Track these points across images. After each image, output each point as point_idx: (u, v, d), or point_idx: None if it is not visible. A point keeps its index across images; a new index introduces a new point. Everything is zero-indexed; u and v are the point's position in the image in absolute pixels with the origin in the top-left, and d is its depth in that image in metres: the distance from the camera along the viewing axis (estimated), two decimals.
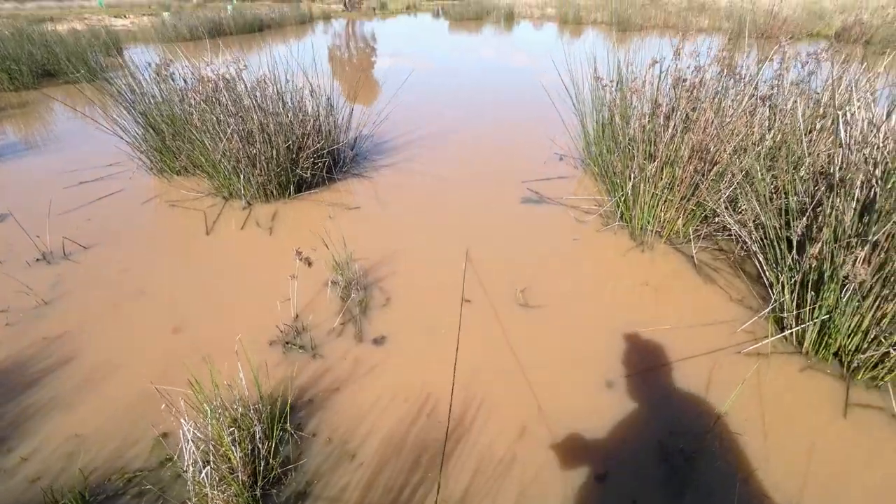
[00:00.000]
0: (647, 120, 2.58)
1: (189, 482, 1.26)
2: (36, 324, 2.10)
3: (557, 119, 4.03)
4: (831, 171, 1.83)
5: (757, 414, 1.61)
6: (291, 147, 3.21)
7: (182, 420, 1.24)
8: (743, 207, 2.28)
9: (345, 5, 26.27)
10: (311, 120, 3.32)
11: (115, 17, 18.91)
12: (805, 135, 2.28)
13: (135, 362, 1.87)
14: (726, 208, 2.30)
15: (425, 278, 2.38)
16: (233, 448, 1.30)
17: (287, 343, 1.95)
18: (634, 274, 2.40)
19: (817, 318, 1.76)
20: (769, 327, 1.96)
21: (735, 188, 2.24)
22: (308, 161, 3.32)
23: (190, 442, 1.22)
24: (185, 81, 3.34)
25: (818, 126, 2.42)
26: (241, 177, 3.11)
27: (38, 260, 2.59)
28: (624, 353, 1.88)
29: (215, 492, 1.21)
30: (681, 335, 1.96)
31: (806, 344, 1.84)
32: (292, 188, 3.31)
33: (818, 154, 2.12)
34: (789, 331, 1.88)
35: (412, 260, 2.54)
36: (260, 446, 1.42)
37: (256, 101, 3.09)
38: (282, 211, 3.13)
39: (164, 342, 1.97)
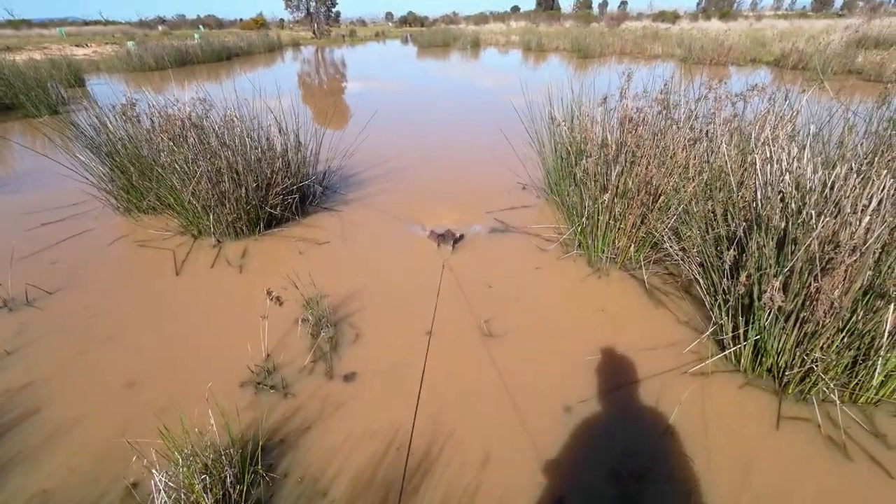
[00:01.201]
0: (597, 156, 2.78)
1: None
2: (8, 374, 2.07)
3: (521, 149, 4.23)
4: (755, 205, 2.04)
5: (700, 430, 1.75)
6: (260, 185, 3.28)
7: (153, 470, 1.28)
8: (686, 235, 2.48)
9: (314, 32, 26.54)
10: (280, 157, 3.41)
11: (77, 45, 18.61)
12: (739, 167, 2.51)
13: (102, 412, 1.87)
14: (670, 238, 2.50)
15: (393, 312, 2.47)
16: (204, 495, 1.34)
17: (258, 384, 2.00)
18: (591, 300, 2.55)
19: (750, 338, 1.94)
20: (710, 348, 2.13)
21: (676, 218, 2.43)
22: (277, 198, 3.38)
23: (162, 492, 1.26)
24: (152, 121, 3.38)
25: (748, 160, 2.67)
26: (211, 215, 3.15)
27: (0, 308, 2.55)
28: (581, 379, 2.01)
29: None
30: (633, 358, 2.11)
31: (743, 362, 2.01)
32: (262, 225, 3.37)
33: (747, 186, 2.35)
34: (728, 350, 2.05)
35: (380, 294, 2.63)
36: (231, 491, 1.46)
37: (224, 140, 3.16)
38: (252, 248, 3.18)
39: (131, 390, 1.99)
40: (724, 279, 2.02)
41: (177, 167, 3.08)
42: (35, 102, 7.26)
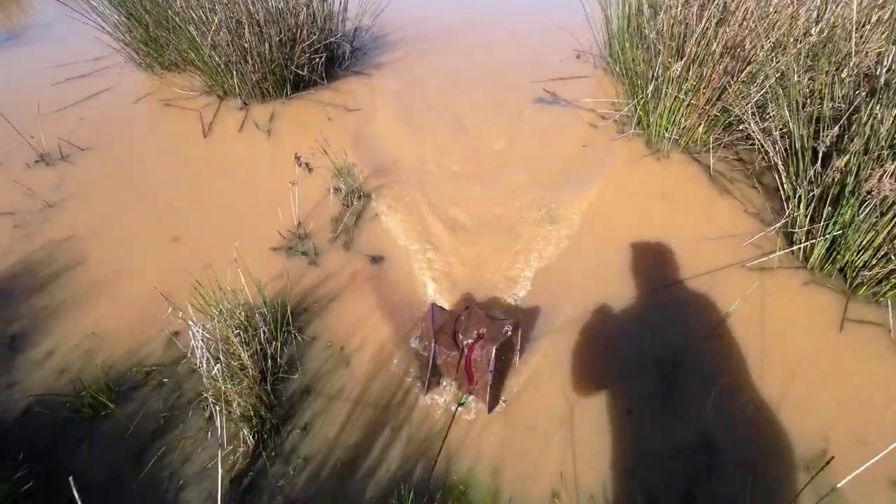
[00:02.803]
0: (678, 10, 2.29)
1: (203, 377, 1.34)
2: (42, 227, 2.12)
3: (579, 9, 3.61)
4: (877, 72, 1.65)
5: (755, 326, 1.64)
6: (284, 41, 2.95)
7: (190, 322, 1.29)
8: (771, 114, 2.11)
9: None
10: (304, 7, 3.01)
11: None
12: (857, 29, 2.02)
13: (141, 267, 1.91)
14: (753, 115, 2.13)
15: (429, 187, 2.32)
16: (241, 347, 1.36)
17: (289, 249, 1.97)
18: (647, 183, 2.31)
19: (829, 233, 1.71)
20: (777, 242, 1.92)
21: (766, 92, 2.05)
22: (304, 56, 3.07)
23: (200, 341, 1.27)
24: None
25: (874, 18, 2.13)
26: (234, 73, 2.91)
27: (36, 162, 2.55)
28: (630, 265, 1.87)
29: (228, 385, 1.29)
30: (689, 248, 1.94)
31: (813, 259, 1.81)
32: (289, 87, 3.11)
33: (866, 53, 1.90)
34: (799, 245, 1.84)
35: (416, 167, 2.46)
36: (267, 347, 1.49)
37: None
38: (279, 111, 2.98)
39: (167, 248, 2.00)
40: (816, 164, 1.73)
41: (193, 15, 2.77)
42: None
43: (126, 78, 3.38)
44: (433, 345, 1.39)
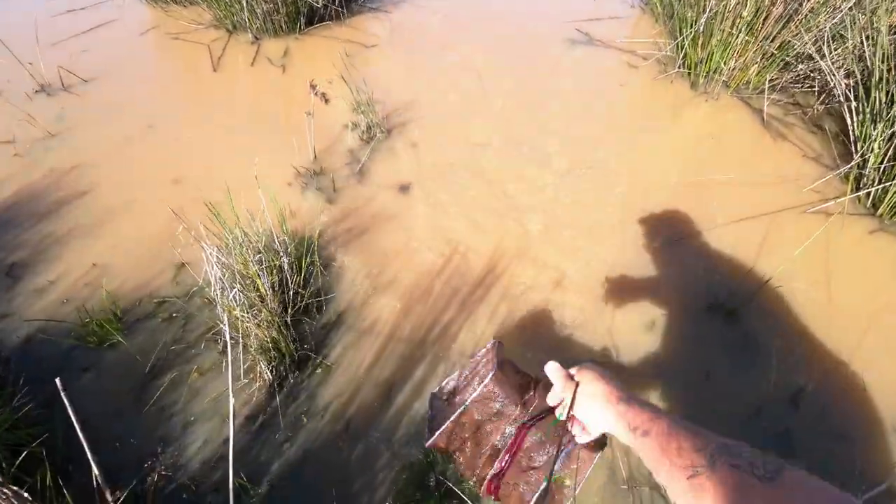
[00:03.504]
0: None
1: (218, 305, 1.23)
2: (45, 156, 1.99)
3: None
4: None
5: (820, 274, 1.49)
6: None
7: (203, 244, 1.16)
8: (838, 51, 1.89)
9: None
10: None
11: None
12: None
13: (149, 197, 1.78)
14: (821, 47, 1.91)
15: (451, 125, 2.14)
16: (259, 275, 1.24)
17: (305, 184, 1.83)
18: (694, 125, 2.12)
19: None
20: (848, 186, 1.74)
21: (843, 18, 1.82)
22: None
23: (215, 265, 1.15)
24: None
25: None
26: (245, 4, 2.70)
27: (37, 91, 2.39)
28: (680, 209, 1.72)
29: (246, 314, 1.17)
30: (742, 192, 1.77)
31: (883, 207, 1.64)
32: (303, 21, 2.89)
33: None
34: (867, 190, 1.66)
35: (437, 105, 2.27)
36: (289, 278, 1.37)
37: None
38: (293, 47, 2.77)
39: (177, 178, 1.86)
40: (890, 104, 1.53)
41: None
42: None
43: (130, 10, 3.16)
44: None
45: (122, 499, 0.93)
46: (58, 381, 0.59)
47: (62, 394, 0.57)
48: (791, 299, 1.42)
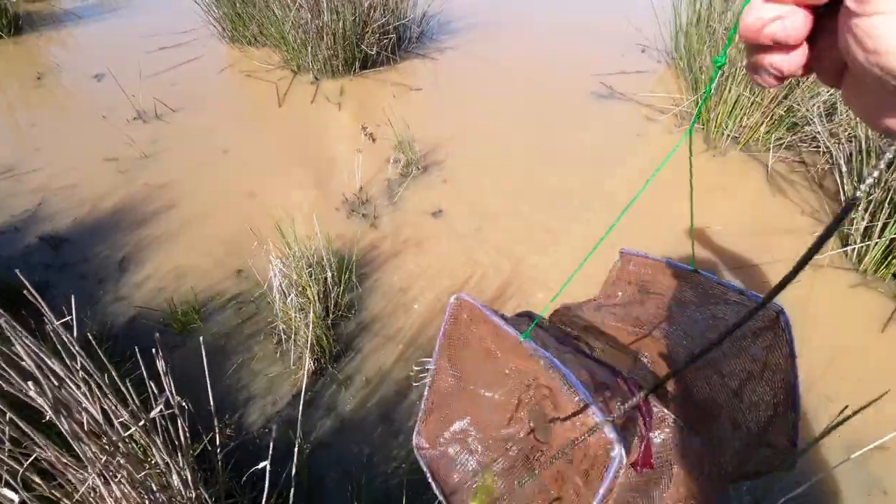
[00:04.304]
0: None
1: (276, 307, 1.53)
2: (141, 173, 2.40)
3: (649, 4, 3.59)
4: None
5: (798, 316, 1.65)
6: (357, 20, 3.14)
7: (271, 257, 1.47)
8: (839, 118, 2.08)
9: None
10: None
11: None
12: None
13: (221, 212, 2.14)
14: (819, 115, 2.11)
15: (480, 164, 2.44)
16: (310, 283, 1.54)
17: (352, 210, 2.15)
18: (699, 177, 2.32)
19: (886, 236, 1.70)
20: (831, 242, 1.90)
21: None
22: (374, 37, 3.25)
23: (278, 275, 1.46)
24: None
25: None
26: (310, 49, 3.13)
27: (134, 118, 2.86)
28: (683, 254, 1.92)
29: (298, 315, 1.47)
30: (738, 240, 1.96)
31: (867, 261, 1.79)
32: (357, 65, 3.30)
33: None
34: (854, 246, 1.82)
35: (471, 145, 2.58)
36: (331, 288, 1.66)
37: None
38: (347, 87, 3.17)
39: (244, 199, 2.22)
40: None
41: None
42: None
43: (211, 50, 3.68)
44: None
45: (199, 450, 1.22)
46: (156, 338, 0.87)
47: (159, 359, 0.85)
48: None
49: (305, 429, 1.36)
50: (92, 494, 0.81)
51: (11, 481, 0.71)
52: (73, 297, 0.93)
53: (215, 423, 1.00)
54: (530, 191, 2.26)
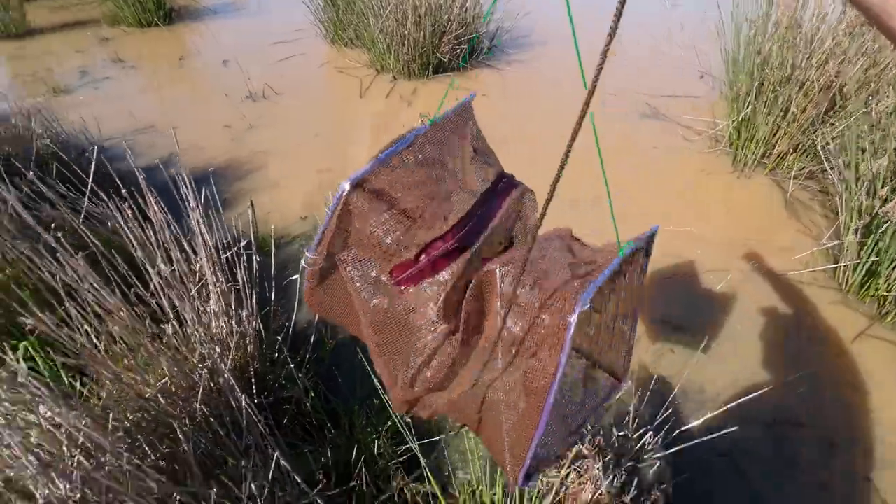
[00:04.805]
0: (787, 34, 2.44)
1: None
2: (247, 141, 3.04)
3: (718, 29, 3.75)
4: None
5: (777, 322, 1.86)
6: (437, 31, 3.62)
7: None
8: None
9: None
10: (459, 6, 3.65)
11: None
12: None
13: (302, 178, 2.69)
14: (830, 148, 2.24)
15: (524, 161, 2.79)
16: None
17: None
18: (716, 193, 2.52)
19: (863, 259, 1.84)
20: (820, 258, 2.06)
21: (850, 129, 2.16)
22: (448, 46, 3.72)
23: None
24: None
25: None
26: (392, 53, 3.67)
27: (247, 97, 3.54)
28: (679, 257, 2.17)
29: None
30: (737, 250, 2.16)
31: (851, 280, 1.93)
32: (430, 70, 3.79)
33: None
34: (838, 265, 1.97)
35: (520, 149, 2.95)
36: None
37: None
38: (420, 88, 3.67)
39: (322, 170, 2.77)
40: (871, 199, 1.86)
41: (372, 4, 3.57)
42: None
43: (315, 48, 4.36)
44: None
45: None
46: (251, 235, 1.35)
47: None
48: (729, 338, 1.82)
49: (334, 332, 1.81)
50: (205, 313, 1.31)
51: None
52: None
53: (272, 300, 1.47)
54: (563, 198, 2.58)
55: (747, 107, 2.62)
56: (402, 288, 0.65)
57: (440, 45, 3.71)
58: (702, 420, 1.47)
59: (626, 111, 3.29)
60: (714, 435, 1.28)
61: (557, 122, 3.19)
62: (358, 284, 0.65)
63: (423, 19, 3.50)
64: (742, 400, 1.39)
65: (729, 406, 1.40)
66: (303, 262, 0.69)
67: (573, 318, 0.50)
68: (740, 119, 2.70)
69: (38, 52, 4.39)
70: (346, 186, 0.65)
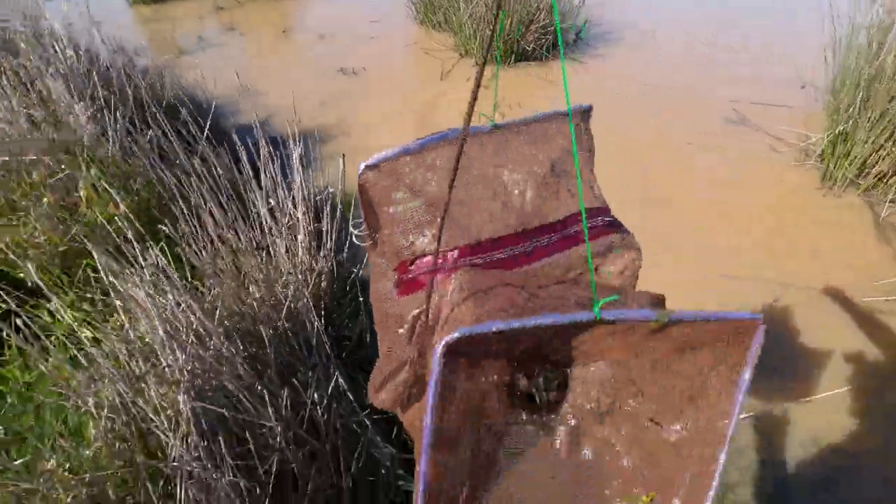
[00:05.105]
0: None
1: None
2: (334, 107, 3.29)
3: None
4: None
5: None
6: (524, 19, 3.67)
7: None
8: None
9: None
10: None
11: None
12: None
13: (381, 149, 2.88)
14: None
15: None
16: None
17: None
18: (804, 207, 2.41)
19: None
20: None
21: None
22: (534, 35, 3.75)
23: None
24: None
25: None
26: (478, 39, 3.76)
27: (338, 70, 3.80)
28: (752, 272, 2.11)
29: None
30: (814, 272, 2.07)
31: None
32: (513, 57, 3.85)
33: None
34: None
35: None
36: None
37: None
38: (500, 74, 3.74)
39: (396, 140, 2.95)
40: None
41: None
42: None
43: (405, 28, 4.56)
44: None
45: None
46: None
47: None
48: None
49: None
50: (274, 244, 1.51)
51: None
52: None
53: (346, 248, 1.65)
54: (636, 199, 2.55)
55: (848, 121, 2.46)
56: (398, 290, 0.61)
57: (525, 34, 3.75)
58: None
59: (713, 117, 3.17)
60: None
61: (629, 121, 3.14)
62: (373, 261, 0.64)
63: (513, 6, 3.56)
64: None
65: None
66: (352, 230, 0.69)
67: None
68: (836, 133, 2.53)
69: (169, 17, 4.94)
70: (361, 167, 0.65)
